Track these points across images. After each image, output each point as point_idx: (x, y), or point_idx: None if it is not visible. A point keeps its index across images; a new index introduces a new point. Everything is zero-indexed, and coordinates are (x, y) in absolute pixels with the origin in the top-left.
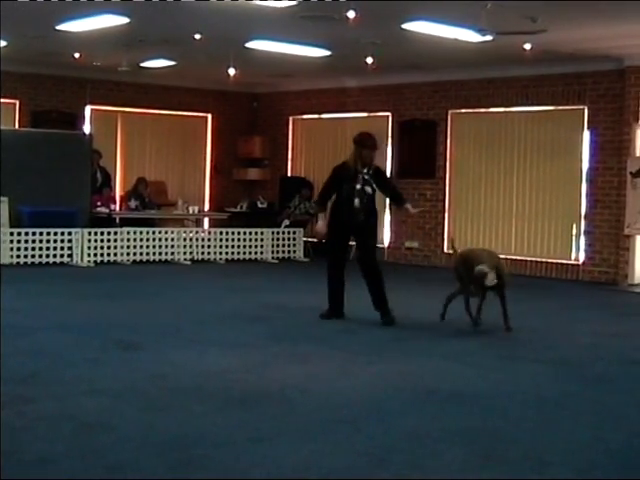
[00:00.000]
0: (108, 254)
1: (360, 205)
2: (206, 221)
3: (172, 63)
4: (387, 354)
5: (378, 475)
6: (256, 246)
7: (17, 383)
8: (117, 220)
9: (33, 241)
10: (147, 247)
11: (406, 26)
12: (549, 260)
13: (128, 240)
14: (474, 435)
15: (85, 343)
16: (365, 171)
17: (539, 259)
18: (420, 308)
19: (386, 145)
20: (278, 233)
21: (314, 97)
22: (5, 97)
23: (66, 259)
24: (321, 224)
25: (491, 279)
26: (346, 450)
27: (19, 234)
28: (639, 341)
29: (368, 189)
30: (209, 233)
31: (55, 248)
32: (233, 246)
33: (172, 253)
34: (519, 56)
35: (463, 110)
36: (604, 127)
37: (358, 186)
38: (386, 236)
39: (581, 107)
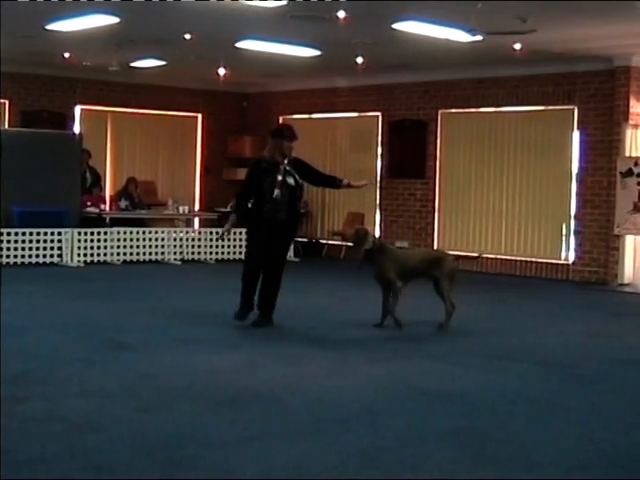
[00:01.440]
0: (98, 254)
1: (281, 197)
2: (196, 221)
3: (162, 63)
4: (377, 355)
5: (368, 475)
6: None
7: (7, 383)
8: (107, 220)
9: (23, 241)
10: (137, 247)
11: (396, 26)
12: (539, 260)
13: (118, 240)
14: (464, 435)
15: (75, 343)
16: (286, 162)
17: (529, 259)
18: (409, 309)
19: (376, 145)
20: None
21: (304, 97)
22: None
23: (56, 259)
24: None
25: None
26: (336, 450)
27: (9, 234)
28: (629, 341)
29: (290, 180)
30: (199, 233)
31: (45, 248)
32: (223, 246)
33: (162, 253)
34: (509, 56)
35: (453, 110)
36: (594, 127)
37: (279, 177)
38: (376, 236)
39: (571, 107)
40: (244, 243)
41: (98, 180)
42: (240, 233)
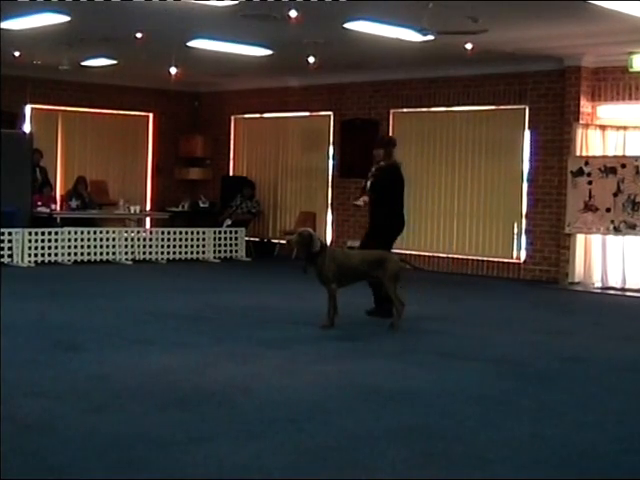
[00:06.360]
0: (49, 254)
1: None
2: (147, 221)
3: (113, 62)
4: (329, 353)
5: (320, 474)
6: (198, 246)
7: None
8: (58, 220)
9: None
10: (88, 247)
11: (348, 25)
12: (490, 259)
13: (69, 240)
14: (415, 434)
15: (26, 344)
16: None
17: (480, 258)
18: (360, 307)
19: (328, 145)
20: (220, 233)
21: (256, 96)
22: None
23: (6, 259)
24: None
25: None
26: (288, 449)
27: None
28: (579, 339)
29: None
30: (150, 233)
31: None
32: (175, 246)
33: (113, 253)
34: (460, 56)
35: (405, 109)
36: (545, 127)
37: None
38: (328, 235)
39: (522, 107)
40: (195, 244)
41: (48, 180)
42: (191, 233)
